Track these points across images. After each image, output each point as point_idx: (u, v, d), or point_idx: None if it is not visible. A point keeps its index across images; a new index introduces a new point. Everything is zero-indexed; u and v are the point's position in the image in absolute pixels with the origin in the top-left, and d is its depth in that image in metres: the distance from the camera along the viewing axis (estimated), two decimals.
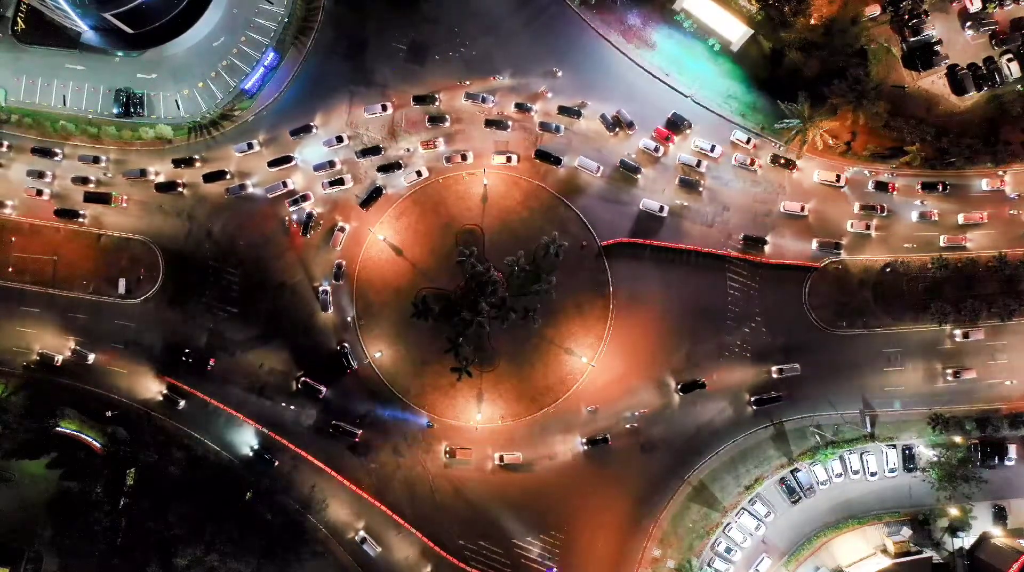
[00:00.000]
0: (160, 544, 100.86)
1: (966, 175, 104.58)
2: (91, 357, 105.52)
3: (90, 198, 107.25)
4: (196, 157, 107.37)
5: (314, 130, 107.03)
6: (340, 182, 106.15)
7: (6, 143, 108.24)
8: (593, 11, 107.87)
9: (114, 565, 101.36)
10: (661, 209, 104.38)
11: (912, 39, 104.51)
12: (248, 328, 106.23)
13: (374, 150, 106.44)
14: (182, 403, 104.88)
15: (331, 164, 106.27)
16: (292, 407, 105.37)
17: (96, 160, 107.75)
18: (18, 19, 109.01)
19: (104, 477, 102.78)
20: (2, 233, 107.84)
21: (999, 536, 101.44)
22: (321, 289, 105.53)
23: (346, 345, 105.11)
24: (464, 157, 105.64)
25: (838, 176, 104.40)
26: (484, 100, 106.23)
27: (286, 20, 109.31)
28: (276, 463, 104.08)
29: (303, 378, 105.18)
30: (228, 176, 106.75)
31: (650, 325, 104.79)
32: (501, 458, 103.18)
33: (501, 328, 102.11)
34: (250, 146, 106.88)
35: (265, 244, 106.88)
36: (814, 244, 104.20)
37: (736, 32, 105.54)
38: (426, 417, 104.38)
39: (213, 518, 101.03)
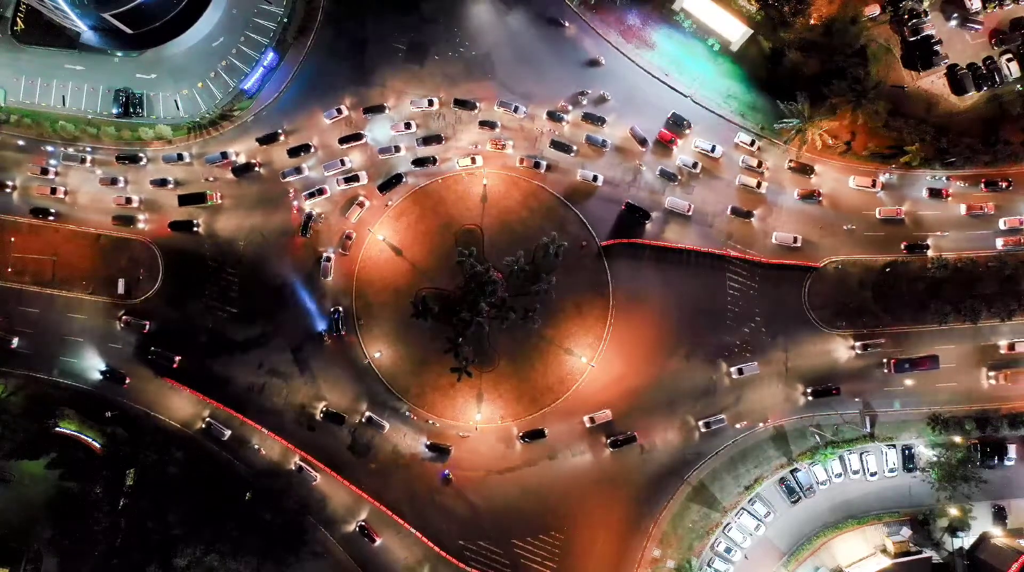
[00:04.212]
0: (160, 544, 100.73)
1: None
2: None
3: (186, 200, 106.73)
4: (279, 131, 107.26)
5: (387, 110, 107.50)
6: (355, 178, 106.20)
7: (89, 158, 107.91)
8: (593, 11, 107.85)
9: (113, 565, 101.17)
10: (795, 240, 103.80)
11: (912, 39, 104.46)
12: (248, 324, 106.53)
13: (436, 138, 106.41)
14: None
15: (396, 149, 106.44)
16: (287, 395, 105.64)
17: (180, 158, 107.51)
18: (17, 19, 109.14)
19: (104, 477, 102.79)
20: (1, 233, 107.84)
21: (999, 536, 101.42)
22: (324, 255, 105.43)
23: (340, 309, 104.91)
24: (538, 165, 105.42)
25: (873, 181, 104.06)
26: (516, 109, 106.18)
27: (285, 20, 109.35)
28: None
29: (124, 317, 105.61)
30: (312, 150, 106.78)
31: (650, 325, 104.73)
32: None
33: (501, 328, 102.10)
34: (339, 111, 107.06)
35: (265, 244, 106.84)
36: (999, 242, 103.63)
37: (736, 32, 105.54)
38: (323, 326, 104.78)
39: (213, 518, 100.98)
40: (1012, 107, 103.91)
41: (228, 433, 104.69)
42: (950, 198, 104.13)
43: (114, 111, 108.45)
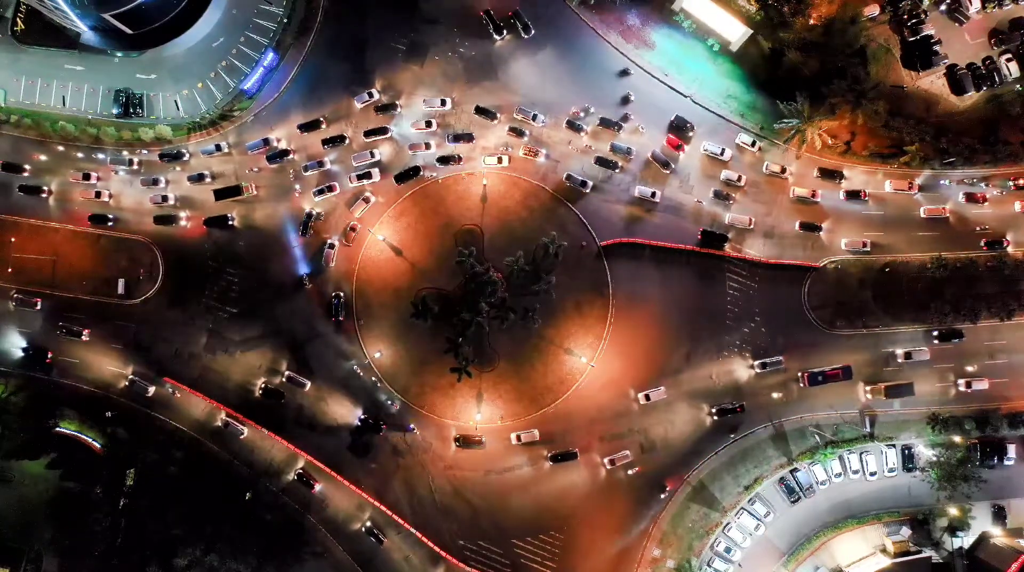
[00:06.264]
0: (160, 544, 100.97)
1: None
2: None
3: (222, 194, 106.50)
4: (321, 118, 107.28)
5: (399, 108, 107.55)
6: (368, 176, 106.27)
7: (136, 160, 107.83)
8: (592, 11, 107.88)
9: (114, 565, 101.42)
10: (864, 244, 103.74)
11: (911, 39, 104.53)
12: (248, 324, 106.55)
13: (467, 137, 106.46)
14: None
15: (427, 146, 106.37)
16: (283, 398, 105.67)
17: (219, 148, 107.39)
18: (18, 20, 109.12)
19: (104, 477, 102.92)
20: (1, 233, 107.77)
21: (998, 536, 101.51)
22: (328, 242, 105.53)
23: (340, 295, 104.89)
24: (584, 184, 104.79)
25: (910, 184, 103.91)
26: (535, 118, 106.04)
27: (285, 20, 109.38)
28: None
29: (16, 294, 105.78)
30: (347, 141, 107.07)
31: (650, 325, 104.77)
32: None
33: (501, 328, 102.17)
34: (370, 95, 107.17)
35: (265, 243, 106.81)
36: None
37: (735, 32, 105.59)
38: (307, 270, 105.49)
39: (213, 518, 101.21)
40: (1012, 107, 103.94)
41: (152, 389, 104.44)
42: (987, 203, 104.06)
43: (114, 111, 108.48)
